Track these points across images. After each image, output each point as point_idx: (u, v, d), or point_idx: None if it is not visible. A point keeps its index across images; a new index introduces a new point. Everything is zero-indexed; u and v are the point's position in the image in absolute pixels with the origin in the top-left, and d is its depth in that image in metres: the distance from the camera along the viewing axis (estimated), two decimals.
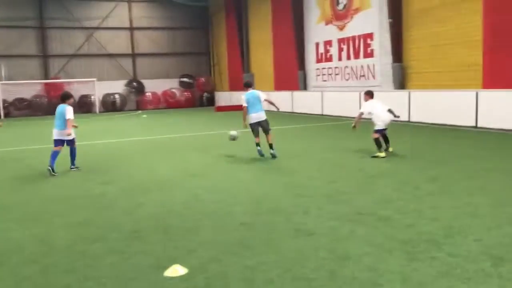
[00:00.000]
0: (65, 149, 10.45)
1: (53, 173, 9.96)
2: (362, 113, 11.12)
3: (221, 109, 32.29)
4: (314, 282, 4.16)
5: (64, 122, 10.10)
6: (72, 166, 10.65)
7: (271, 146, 11.18)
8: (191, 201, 7.35)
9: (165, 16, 38.31)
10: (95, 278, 4.47)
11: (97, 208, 7.18)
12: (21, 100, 33.81)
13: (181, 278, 4.38)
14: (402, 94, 18.84)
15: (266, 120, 11.26)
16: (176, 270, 4.50)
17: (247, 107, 11.11)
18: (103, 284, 4.34)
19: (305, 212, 6.41)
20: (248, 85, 11.72)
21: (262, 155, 11.12)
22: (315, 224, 5.85)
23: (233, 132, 11.94)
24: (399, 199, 6.94)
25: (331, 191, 7.60)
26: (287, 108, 27.31)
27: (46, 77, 35.07)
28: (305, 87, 27.05)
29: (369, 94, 11.42)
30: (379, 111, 10.98)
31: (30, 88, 34.38)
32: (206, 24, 39.87)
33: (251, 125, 11.21)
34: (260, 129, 11.25)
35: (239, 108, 31.26)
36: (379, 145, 10.86)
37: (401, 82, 19.66)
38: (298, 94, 26.89)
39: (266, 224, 5.95)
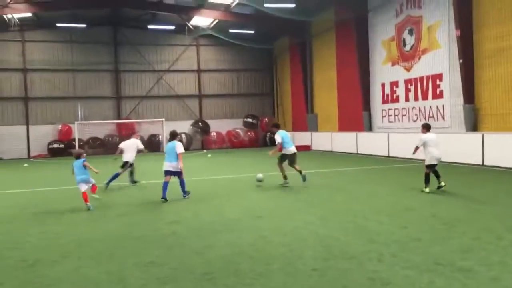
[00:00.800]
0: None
1: (164, 200, 11.56)
2: (418, 147, 11.67)
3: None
4: None
5: (175, 156, 11.78)
6: (184, 195, 12.11)
7: (301, 172, 13.83)
8: (259, 243, 7.31)
9: (231, 58, 39.53)
10: None
11: (168, 247, 7.29)
12: (95, 139, 35.63)
13: None
14: (475, 136, 18.08)
15: (296, 154, 14.08)
16: None
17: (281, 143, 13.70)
18: None
19: (378, 260, 6.18)
20: (277, 126, 14.54)
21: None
22: (390, 273, 5.61)
23: (259, 175, 14.22)
24: (480, 248, 6.54)
25: (404, 238, 7.30)
26: (352, 149, 26.95)
27: (119, 117, 36.87)
28: (370, 128, 26.66)
29: (426, 127, 12.07)
30: (433, 148, 11.60)
31: (103, 127, 36.24)
32: (270, 65, 40.70)
33: (286, 155, 13.87)
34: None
35: (302, 148, 31.09)
36: (427, 181, 11.56)
37: (473, 124, 18.92)
38: (363, 135, 26.52)
39: (338, 271, 5.78)
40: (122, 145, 15.88)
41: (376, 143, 24.70)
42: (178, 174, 12.02)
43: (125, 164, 15.31)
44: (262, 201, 11.42)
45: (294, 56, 35.92)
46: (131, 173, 15.89)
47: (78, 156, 11.49)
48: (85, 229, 8.84)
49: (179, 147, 11.94)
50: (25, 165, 27.17)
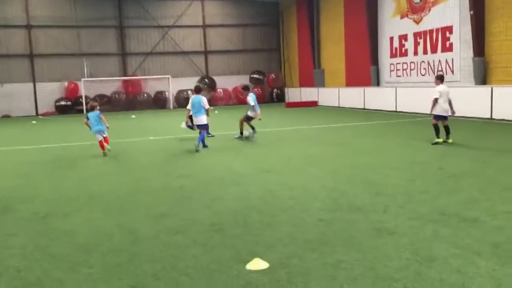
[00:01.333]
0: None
1: (200, 149, 12.58)
2: (437, 99, 11.59)
3: (291, 105, 32.28)
4: (399, 282, 4.06)
5: (203, 109, 12.40)
6: (204, 146, 12.87)
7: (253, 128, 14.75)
8: (267, 196, 7.41)
9: (237, 13, 38.83)
10: (180, 268, 4.62)
11: (177, 200, 7.42)
12: (101, 96, 35.61)
13: (263, 272, 4.43)
14: (484, 89, 17.88)
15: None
16: (258, 264, 4.56)
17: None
18: (188, 274, 4.48)
19: (384, 211, 6.26)
20: (247, 89, 15.24)
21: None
22: (396, 223, 5.70)
23: (246, 133, 14.52)
24: (486, 200, 6.60)
25: (410, 190, 7.37)
26: (359, 105, 26.80)
27: (125, 74, 36.71)
28: (378, 83, 26.39)
29: (440, 79, 11.96)
30: (442, 101, 11.56)
31: (109, 84, 36.17)
32: (276, 20, 39.96)
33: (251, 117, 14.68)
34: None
35: (309, 104, 31.06)
36: (437, 131, 11.61)
37: (482, 77, 18.67)
38: (370, 90, 26.30)
39: (344, 222, 5.88)
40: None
41: (384, 98, 24.52)
42: (206, 127, 12.79)
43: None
44: (270, 157, 11.49)
45: (301, 9, 35.19)
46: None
47: (92, 108, 12.47)
48: (95, 184, 8.99)
49: (205, 101, 12.55)
50: (33, 122, 27.37)
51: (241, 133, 14.75)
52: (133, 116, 28.89)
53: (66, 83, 34.92)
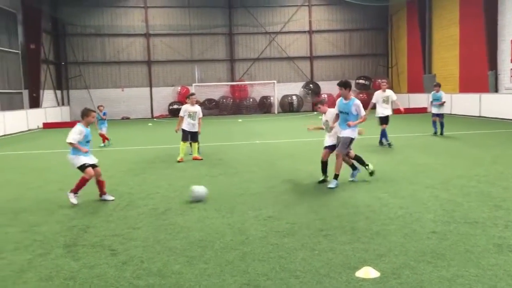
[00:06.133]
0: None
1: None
2: None
3: (399, 112, 31.13)
4: None
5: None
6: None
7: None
8: (375, 204, 7.27)
9: (343, 18, 38.44)
10: (289, 270, 4.72)
11: (284, 204, 7.54)
12: (210, 100, 37.21)
13: (374, 281, 4.37)
14: None
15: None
16: (368, 272, 4.51)
17: None
18: (297, 276, 4.56)
19: (505, 226, 5.86)
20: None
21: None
22: None
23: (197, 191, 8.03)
24: None
25: None
26: (474, 112, 25.17)
27: (232, 80, 38.01)
28: (496, 89, 24.58)
29: None
30: None
31: (218, 89, 37.69)
32: (384, 24, 38.89)
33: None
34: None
35: (417, 110, 29.77)
36: None
37: None
38: (487, 96, 24.58)
39: (460, 235, 5.59)
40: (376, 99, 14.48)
41: (503, 105, 22.78)
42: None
43: (384, 119, 14.16)
44: (378, 165, 11.23)
45: (412, 13, 33.90)
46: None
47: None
48: (207, 183, 9.42)
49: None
50: (149, 124, 29.34)
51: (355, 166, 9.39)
52: (240, 120, 29.79)
53: (178, 88, 36.97)
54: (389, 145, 13.91)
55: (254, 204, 7.58)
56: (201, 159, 12.60)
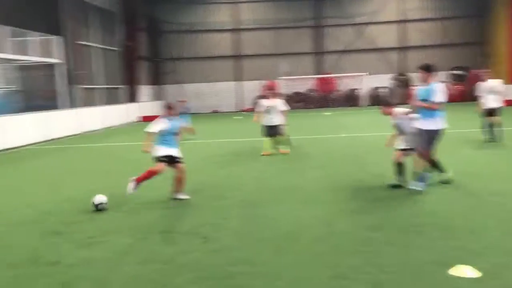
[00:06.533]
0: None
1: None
2: None
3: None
4: None
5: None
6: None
7: None
8: (469, 200, 6.92)
9: (437, 6, 36.60)
10: (379, 265, 4.66)
11: (372, 198, 7.41)
12: (297, 93, 37.28)
13: (471, 280, 4.20)
14: None
15: None
16: (464, 271, 4.33)
17: None
18: (388, 272, 4.49)
19: None
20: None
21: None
22: None
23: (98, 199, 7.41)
24: None
25: None
26: None
27: (319, 73, 37.74)
28: None
29: None
30: None
31: (304, 82, 37.62)
32: (481, 11, 36.43)
33: None
34: None
35: None
36: None
37: None
38: None
39: None
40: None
41: None
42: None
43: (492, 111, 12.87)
44: (475, 159, 10.66)
45: None
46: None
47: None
48: (291, 177, 9.50)
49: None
50: (237, 117, 30.00)
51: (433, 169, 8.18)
52: (327, 114, 29.54)
53: (265, 81, 37.39)
54: (493, 139, 12.69)
55: (341, 198, 7.53)
56: (288, 153, 12.64)
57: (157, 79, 38.02)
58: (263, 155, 12.49)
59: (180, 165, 7.74)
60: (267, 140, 12.71)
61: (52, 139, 19.42)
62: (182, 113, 17.35)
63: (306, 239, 5.59)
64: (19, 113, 19.19)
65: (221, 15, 37.70)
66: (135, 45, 32.31)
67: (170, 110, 7.88)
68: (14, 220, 7.07)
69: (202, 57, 37.79)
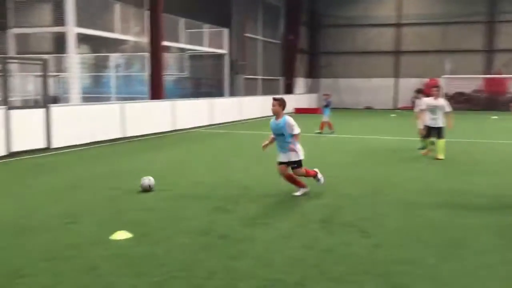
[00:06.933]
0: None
1: None
2: None
3: None
4: None
5: None
6: None
7: None
8: None
9: None
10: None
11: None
12: (460, 94, 34.65)
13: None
14: None
15: None
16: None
17: None
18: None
19: None
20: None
21: None
22: None
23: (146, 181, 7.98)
24: None
25: None
26: None
27: (488, 72, 34.59)
28: None
29: None
30: None
31: (470, 82, 34.78)
32: None
33: None
34: None
35: None
36: None
37: None
38: None
39: None
40: None
41: None
42: None
43: None
44: None
45: None
46: None
47: None
48: (454, 180, 8.96)
49: None
50: (392, 115, 29.06)
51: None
52: (494, 117, 27.00)
53: (426, 79, 35.48)
54: None
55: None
56: (442, 159, 11.45)
57: (312, 72, 38.51)
58: (423, 154, 12.00)
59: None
60: (427, 141, 12.13)
61: (216, 124, 20.99)
62: (325, 106, 17.46)
63: (475, 248, 5.26)
64: (190, 98, 21.08)
65: (383, 9, 36.63)
66: (296, 38, 33.09)
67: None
68: (188, 194, 7.86)
69: (359, 52, 37.16)
